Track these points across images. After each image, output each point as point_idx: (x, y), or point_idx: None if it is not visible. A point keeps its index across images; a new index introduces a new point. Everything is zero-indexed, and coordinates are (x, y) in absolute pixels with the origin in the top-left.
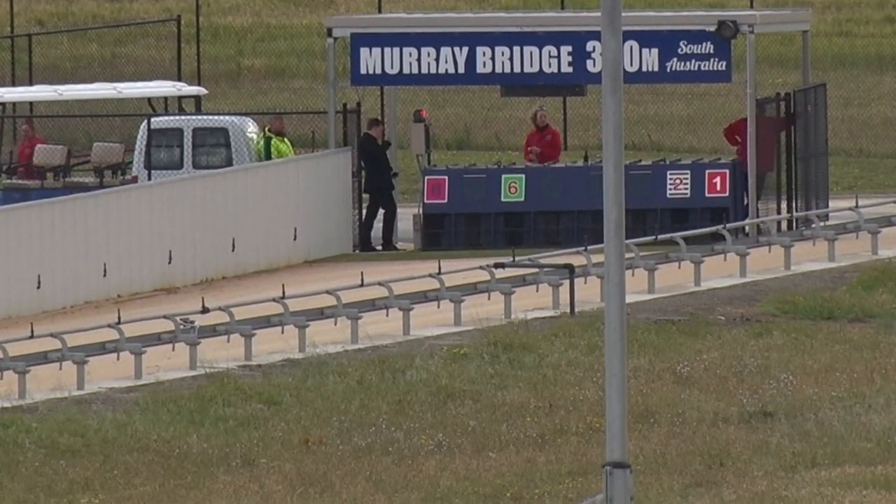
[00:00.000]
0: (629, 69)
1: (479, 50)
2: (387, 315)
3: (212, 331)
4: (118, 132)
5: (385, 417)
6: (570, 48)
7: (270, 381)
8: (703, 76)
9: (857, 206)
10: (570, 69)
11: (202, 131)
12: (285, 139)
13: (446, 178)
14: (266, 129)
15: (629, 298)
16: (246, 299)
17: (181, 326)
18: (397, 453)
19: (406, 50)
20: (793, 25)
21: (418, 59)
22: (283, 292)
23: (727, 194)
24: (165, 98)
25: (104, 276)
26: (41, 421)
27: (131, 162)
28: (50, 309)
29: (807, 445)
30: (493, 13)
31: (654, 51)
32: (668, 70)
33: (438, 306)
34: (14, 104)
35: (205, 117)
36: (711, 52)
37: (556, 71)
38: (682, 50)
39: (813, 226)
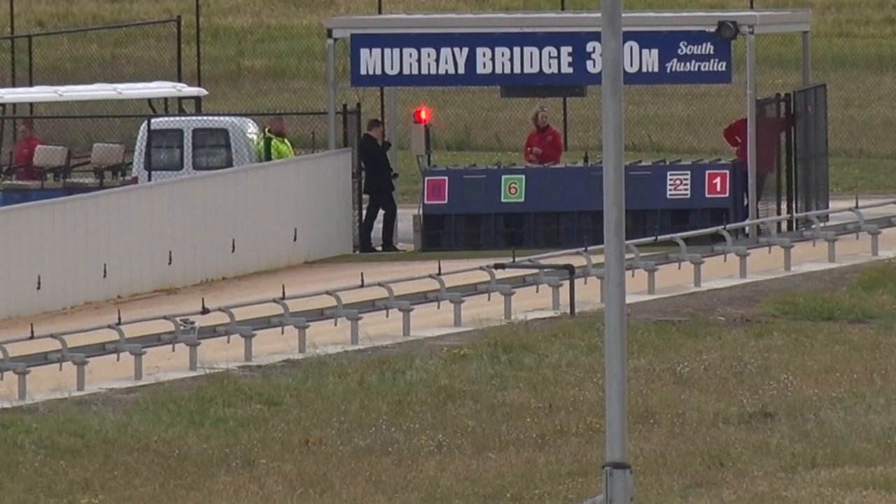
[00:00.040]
0: (629, 70)
1: (479, 51)
2: (387, 316)
3: (212, 331)
4: (118, 133)
5: (385, 418)
6: (570, 49)
7: (270, 381)
8: (703, 77)
9: (857, 207)
10: (571, 70)
11: (202, 132)
12: (285, 140)
13: (446, 178)
14: (266, 129)
15: (629, 299)
16: (246, 300)
17: (181, 327)
18: (397, 454)
19: (406, 51)
20: (793, 26)
21: (418, 60)
22: (283, 293)
23: (727, 195)
24: (165, 99)
25: (104, 276)
26: (41, 421)
27: (131, 163)
28: (50, 309)
29: (807, 446)
30: (494, 14)
31: (654, 51)
32: (668, 71)
33: (438, 307)
34: (14, 105)
35: (205, 118)
36: (711, 52)
37: (556, 71)
38: (682, 51)
39: (813, 226)
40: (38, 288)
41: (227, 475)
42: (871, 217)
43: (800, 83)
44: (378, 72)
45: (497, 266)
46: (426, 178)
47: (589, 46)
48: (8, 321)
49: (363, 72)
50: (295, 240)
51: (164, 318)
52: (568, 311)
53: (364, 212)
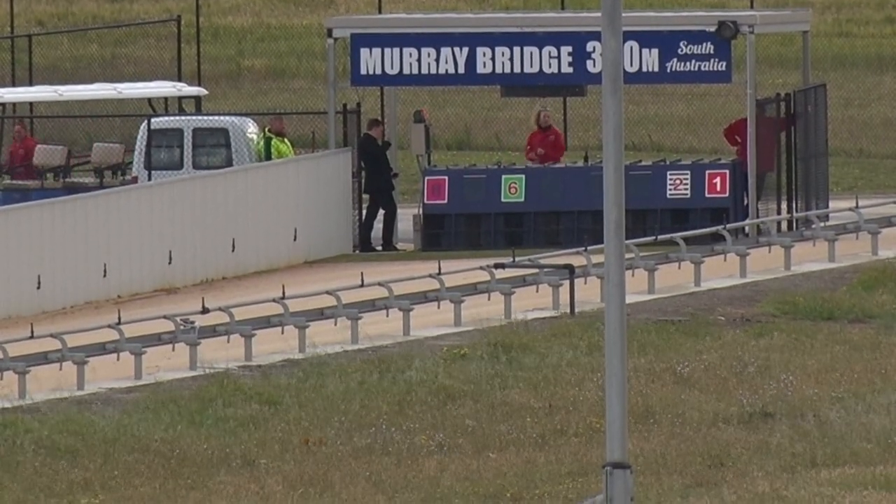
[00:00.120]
0: (629, 69)
1: (480, 50)
2: (387, 315)
3: (212, 331)
4: (118, 132)
5: (385, 418)
6: (570, 48)
7: (270, 381)
8: (703, 76)
9: (857, 207)
10: (571, 69)
11: (202, 132)
12: (285, 139)
13: (446, 178)
14: (266, 129)
15: (629, 299)
16: (246, 300)
17: (181, 327)
18: (397, 454)
19: (406, 50)
20: (793, 26)
21: (418, 60)
22: (283, 293)
23: (727, 195)
24: (165, 98)
25: (104, 276)
26: (41, 421)
27: (131, 162)
28: (50, 309)
29: (807, 446)
30: (494, 13)
31: (655, 51)
32: (669, 70)
33: (438, 307)
34: (14, 105)
35: (205, 118)
36: (711, 52)
37: (556, 71)
38: (682, 50)
39: (813, 226)
40: (38, 287)
41: (227, 475)
42: (871, 217)
43: (800, 83)
44: (378, 71)
45: (497, 266)
46: (426, 178)
47: (589, 46)
48: (8, 321)
49: (363, 71)
50: (295, 239)
51: (164, 317)
52: (568, 310)
53: (364, 211)
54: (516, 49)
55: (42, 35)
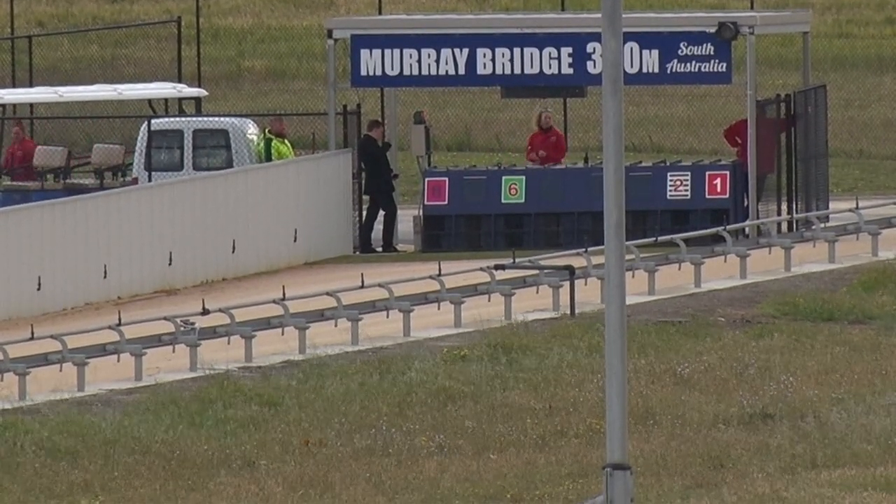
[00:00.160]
0: (629, 71)
1: (480, 51)
2: (387, 316)
3: (212, 332)
4: (118, 134)
5: (385, 419)
6: (570, 49)
7: (271, 382)
8: (703, 77)
9: (857, 208)
10: (571, 70)
11: (202, 133)
12: (286, 141)
13: (446, 179)
14: (266, 130)
15: (629, 300)
16: (246, 301)
17: (181, 328)
18: (397, 455)
19: (406, 51)
20: (793, 27)
21: (419, 61)
22: (284, 294)
23: (727, 196)
24: (166, 99)
25: (104, 277)
26: (41, 422)
27: (132, 163)
28: (50, 310)
29: (807, 447)
30: (494, 14)
31: (655, 52)
32: (669, 71)
33: (439, 308)
34: (14, 106)
35: (205, 119)
36: (712, 53)
37: (556, 72)
38: (682, 51)
39: (813, 227)
40: (39, 289)
41: (227, 476)
42: (871, 218)
43: (800, 84)
44: (378, 72)
45: (497, 267)
46: (426, 179)
47: (589, 47)
48: (8, 322)
49: (363, 72)
50: (295, 241)
51: (165, 318)
52: (568, 311)
53: (364, 213)
54: (516, 50)
55: (42, 36)
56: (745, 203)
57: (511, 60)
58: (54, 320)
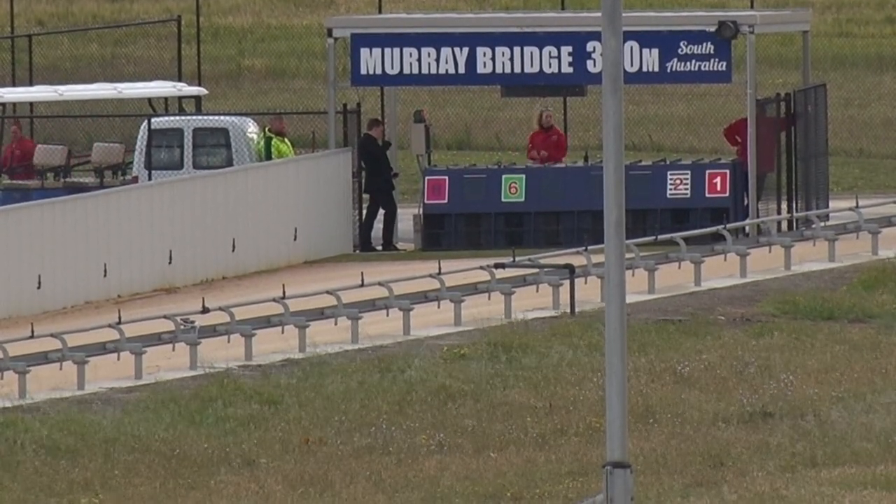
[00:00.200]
0: (629, 69)
1: (480, 50)
2: (387, 315)
3: (212, 331)
4: (118, 132)
5: (385, 417)
6: (570, 48)
7: (271, 381)
8: (703, 76)
9: (857, 207)
10: (571, 69)
11: (202, 131)
12: (285, 139)
13: (446, 178)
14: (266, 129)
15: (629, 299)
16: (246, 299)
17: (181, 326)
18: (397, 453)
19: (406, 50)
20: (793, 26)
21: (418, 60)
22: (284, 292)
23: (727, 194)
24: (166, 98)
25: (104, 276)
26: (42, 421)
27: (132, 162)
28: (50, 309)
29: (807, 445)
30: (494, 13)
31: (655, 51)
32: (669, 70)
33: (439, 306)
34: (14, 104)
35: (205, 117)
36: (712, 52)
37: (556, 71)
38: (682, 50)
39: (813, 226)
40: (39, 287)
41: (227, 474)
42: (871, 217)
43: (800, 83)
44: (378, 71)
45: (497, 265)
46: (426, 178)
47: (589, 46)
48: (8, 320)
49: (363, 71)
50: (295, 239)
51: (165, 317)
52: (568, 310)
53: (364, 211)
54: (516, 49)
55: (42, 35)
56: (745, 202)
57: (511, 59)
58: (54, 319)
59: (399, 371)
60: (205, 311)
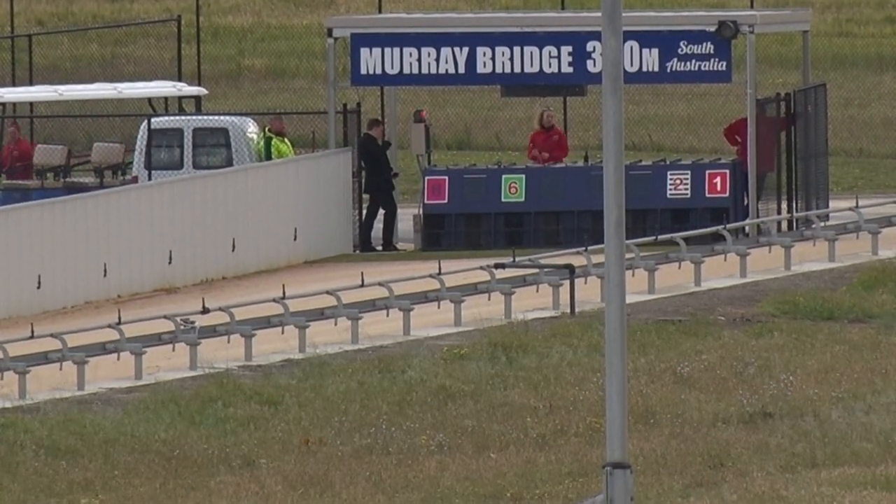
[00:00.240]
0: (629, 69)
1: (480, 50)
2: (387, 315)
3: (212, 331)
4: (118, 132)
5: (385, 418)
6: (570, 48)
7: (271, 381)
8: (703, 76)
9: (857, 207)
10: (571, 69)
11: (202, 131)
12: (285, 139)
13: (446, 178)
14: (266, 129)
15: (629, 299)
16: (246, 299)
17: (181, 327)
18: (397, 454)
19: (406, 50)
20: (793, 25)
21: (418, 60)
22: (284, 292)
23: (727, 194)
24: (166, 98)
25: (104, 276)
26: (41, 421)
27: (131, 162)
28: (50, 309)
29: (807, 446)
30: (494, 13)
31: (655, 51)
32: (669, 70)
33: (439, 307)
34: (14, 104)
35: (205, 117)
36: (712, 52)
37: (556, 71)
38: (682, 50)
39: (813, 226)
40: (39, 287)
41: (227, 475)
42: (871, 216)
43: (800, 82)
44: (378, 71)
45: (497, 266)
46: (426, 178)
47: (589, 46)
48: (8, 320)
49: (363, 71)
50: (295, 239)
51: (165, 317)
52: (568, 310)
53: (364, 211)
54: (516, 49)
55: (42, 35)
56: (745, 202)
57: (511, 59)
58: (54, 319)
59: (399, 371)
60: (205, 311)
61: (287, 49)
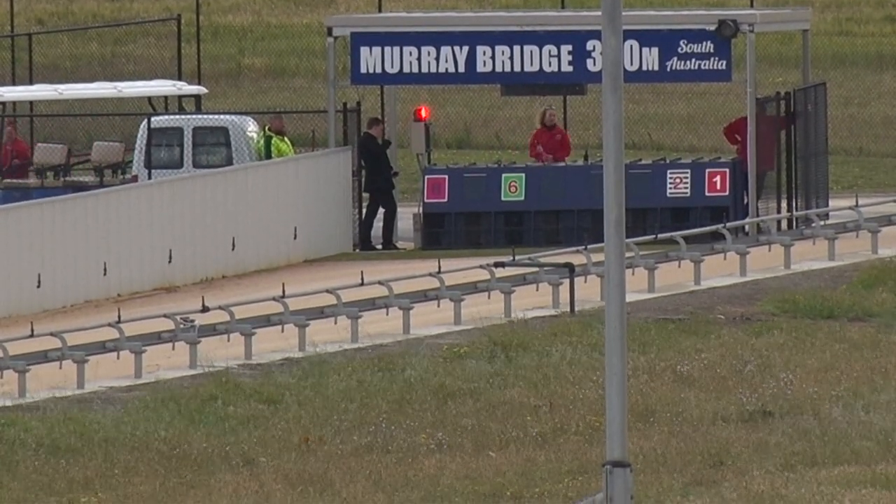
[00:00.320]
0: (629, 68)
1: (480, 49)
2: (387, 314)
3: (212, 330)
4: (118, 131)
5: (385, 416)
6: (570, 47)
7: (270, 380)
8: (703, 75)
9: (857, 205)
10: (571, 68)
11: (202, 130)
12: (285, 138)
13: (446, 177)
14: (266, 128)
15: (629, 297)
16: (246, 298)
17: (181, 325)
18: (397, 452)
19: (406, 49)
20: (793, 24)
21: (418, 59)
22: (283, 291)
23: (727, 193)
24: (165, 97)
25: (104, 274)
26: (41, 420)
27: (131, 161)
28: (50, 308)
29: (807, 444)
30: (494, 12)
31: (655, 50)
32: (669, 69)
33: (438, 305)
34: (14, 103)
35: (205, 116)
36: (711, 51)
37: (556, 70)
38: (682, 49)
39: (813, 225)
40: (39, 286)
41: (227, 473)
42: (871, 215)
43: (800, 81)
44: (378, 70)
45: (497, 264)
46: (426, 177)
47: (589, 45)
48: (8, 319)
49: (363, 70)
50: (295, 238)
51: (165, 316)
52: (568, 309)
53: (364, 210)
54: (516, 48)
55: (42, 34)
56: (745, 200)
57: (511, 58)
58: (54, 317)
59: (399, 370)
60: (204, 309)
61: (287, 48)
